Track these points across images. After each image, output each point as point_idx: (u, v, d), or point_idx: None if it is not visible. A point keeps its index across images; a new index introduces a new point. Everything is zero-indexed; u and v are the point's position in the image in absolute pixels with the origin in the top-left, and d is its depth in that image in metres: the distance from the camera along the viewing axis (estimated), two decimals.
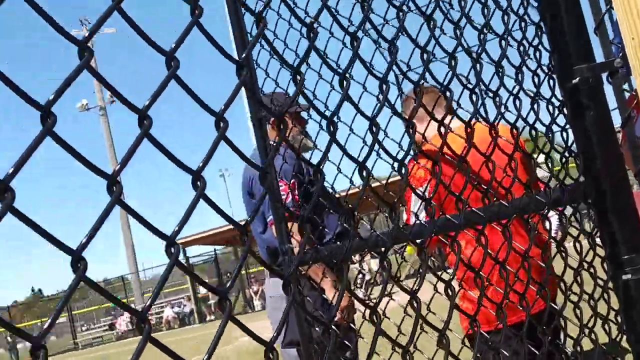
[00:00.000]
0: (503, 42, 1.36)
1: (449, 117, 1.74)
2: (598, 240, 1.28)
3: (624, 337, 1.30)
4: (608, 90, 1.25)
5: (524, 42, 1.45)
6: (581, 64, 1.19)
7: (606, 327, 1.46)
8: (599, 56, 1.29)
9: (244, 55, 0.97)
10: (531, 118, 1.43)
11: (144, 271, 34.51)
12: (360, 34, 1.00)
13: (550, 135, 1.46)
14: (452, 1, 1.42)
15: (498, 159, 1.33)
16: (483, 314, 1.41)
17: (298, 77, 0.94)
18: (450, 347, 1.05)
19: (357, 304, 2.80)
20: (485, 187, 1.25)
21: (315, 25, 0.93)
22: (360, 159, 0.96)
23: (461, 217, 1.17)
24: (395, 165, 1.07)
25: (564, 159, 1.46)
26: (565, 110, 1.41)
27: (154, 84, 0.78)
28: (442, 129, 1.18)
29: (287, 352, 2.97)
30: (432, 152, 1.53)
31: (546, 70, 1.48)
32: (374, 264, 18.05)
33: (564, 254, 1.39)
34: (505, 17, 1.38)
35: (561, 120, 1.50)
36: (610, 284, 1.29)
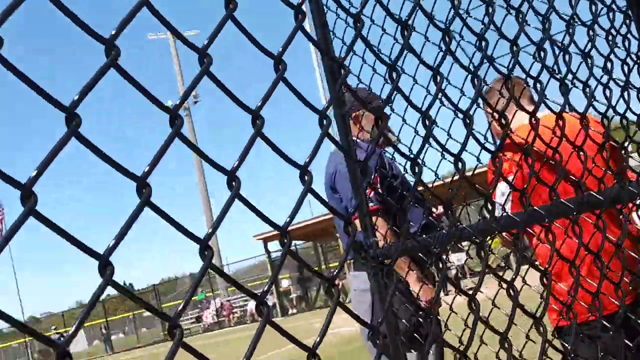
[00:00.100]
0: (591, 32, 1.34)
1: (532, 108, 1.73)
2: None
3: None
4: None
5: (612, 30, 1.42)
6: None
7: None
8: None
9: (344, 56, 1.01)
10: (621, 107, 1.40)
11: (227, 266, 35.35)
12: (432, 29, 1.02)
13: None
14: None
15: (586, 149, 1.32)
16: (573, 306, 1.40)
17: (394, 74, 0.97)
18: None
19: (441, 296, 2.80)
20: (574, 178, 1.24)
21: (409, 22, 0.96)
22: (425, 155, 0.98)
23: (551, 207, 1.17)
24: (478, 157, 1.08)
25: None
26: None
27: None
28: (528, 121, 1.18)
29: (372, 345, 3.00)
30: (518, 144, 1.53)
31: (635, 59, 1.45)
32: (454, 258, 17.77)
33: None
34: (593, 7, 1.36)
35: None
36: None
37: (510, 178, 2.22)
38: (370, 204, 2.52)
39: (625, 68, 1.42)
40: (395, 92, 1.02)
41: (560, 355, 1.36)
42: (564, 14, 1.32)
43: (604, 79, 1.36)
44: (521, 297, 1.76)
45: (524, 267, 1.53)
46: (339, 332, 10.82)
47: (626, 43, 1.45)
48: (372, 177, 2.80)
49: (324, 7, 1.60)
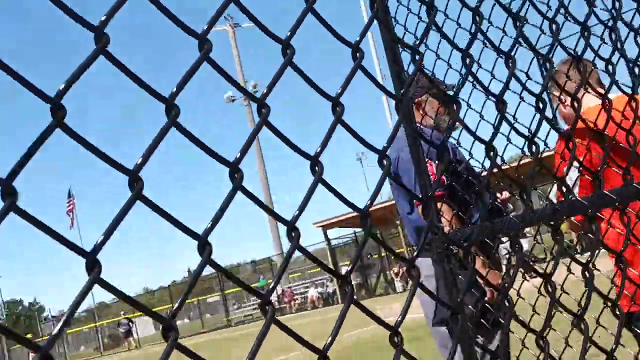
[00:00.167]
0: None
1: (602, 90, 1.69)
2: None
3: None
4: None
5: None
6: None
7: None
8: None
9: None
10: None
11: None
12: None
13: None
14: None
15: None
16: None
17: (467, 60, 0.98)
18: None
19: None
20: None
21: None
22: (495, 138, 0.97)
23: (622, 190, 1.16)
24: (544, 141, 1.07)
25: None
26: None
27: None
28: (594, 103, 1.17)
29: (437, 330, 3.01)
30: (588, 127, 1.50)
31: None
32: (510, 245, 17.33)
33: None
34: None
35: None
36: None
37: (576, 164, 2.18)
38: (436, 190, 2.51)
39: None
40: (463, 79, 1.03)
41: (632, 342, 1.34)
42: None
43: None
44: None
45: (588, 253, 1.51)
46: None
47: None
48: (436, 162, 2.80)
49: None
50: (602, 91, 1.22)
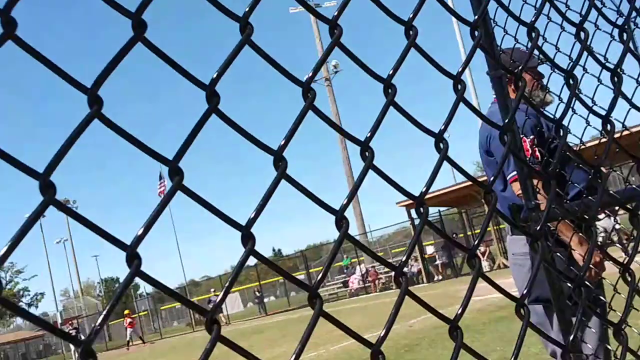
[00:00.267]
0: None
1: None
2: None
3: None
4: None
5: None
6: None
7: None
8: None
9: (477, 17, 0.99)
10: None
11: (370, 232, 35.88)
12: None
13: None
14: None
15: None
16: None
17: (533, 34, 0.94)
18: None
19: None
20: None
21: None
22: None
23: None
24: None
25: None
26: None
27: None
28: None
29: (533, 308, 2.95)
30: None
31: None
32: (606, 222, 16.60)
33: None
34: None
35: None
36: None
37: None
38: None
39: None
40: (535, 54, 0.99)
41: None
42: None
43: None
44: None
45: None
46: (487, 299, 10.64)
47: None
48: (531, 138, 2.72)
49: None
50: None
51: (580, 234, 2.52)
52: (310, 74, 0.82)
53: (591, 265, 2.61)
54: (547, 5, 1.09)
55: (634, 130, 1.59)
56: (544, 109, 2.95)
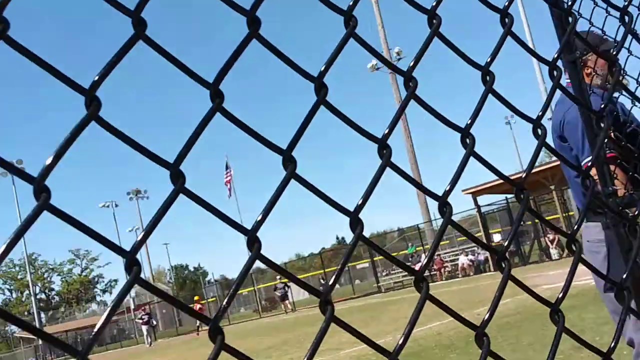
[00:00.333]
0: None
1: None
2: None
3: None
4: None
5: None
6: None
7: None
8: None
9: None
10: None
11: (435, 221, 35.47)
12: None
13: None
14: None
15: None
16: None
17: (626, 17, 0.92)
18: None
19: None
20: None
21: None
22: None
23: None
24: None
25: None
26: None
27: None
28: None
29: (609, 296, 2.88)
30: None
31: None
32: None
33: None
34: None
35: None
36: None
37: None
38: (607, 152, 2.38)
39: None
40: (628, 37, 0.96)
41: None
42: None
43: None
44: None
45: None
46: (558, 287, 10.38)
47: None
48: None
49: None
50: None
51: None
52: (412, 64, 0.83)
53: None
54: None
55: None
56: (621, 92, 2.85)
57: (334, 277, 0.85)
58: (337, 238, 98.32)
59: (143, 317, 36.34)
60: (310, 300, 41.79)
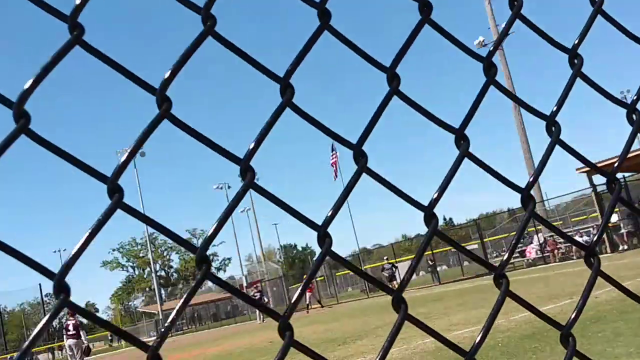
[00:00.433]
0: None
1: None
2: None
3: None
4: None
5: None
6: None
7: None
8: None
9: None
10: None
11: (547, 201, 34.12)
12: None
13: None
14: None
15: None
16: None
17: None
18: None
19: None
20: None
21: None
22: None
23: None
24: None
25: None
26: None
27: None
28: None
29: None
30: None
31: None
32: None
33: None
34: None
35: None
36: None
37: None
38: None
39: None
40: None
41: None
42: None
43: None
44: None
45: None
46: None
47: None
48: None
49: None
50: None
51: None
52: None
53: None
54: None
55: None
56: None
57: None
58: (445, 219, 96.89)
59: (255, 294, 37.64)
60: (418, 281, 41.56)
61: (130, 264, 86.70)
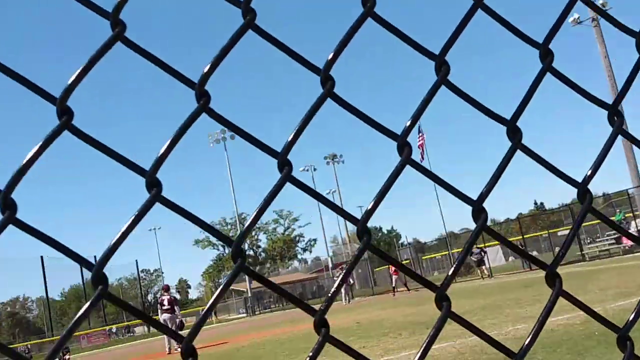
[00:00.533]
0: None
1: None
2: None
3: None
4: None
5: None
6: None
7: None
8: None
9: None
10: None
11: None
12: None
13: None
14: None
15: None
16: None
17: None
18: None
19: None
20: None
21: None
22: None
23: None
24: None
25: None
26: None
27: None
28: None
29: None
30: None
31: None
32: None
33: None
34: None
35: None
36: None
37: None
38: None
39: None
40: None
41: None
42: None
43: None
44: None
45: None
46: None
47: None
48: None
49: None
50: None
51: None
52: None
53: None
54: None
55: None
56: None
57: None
58: (536, 203, 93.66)
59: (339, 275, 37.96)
60: (507, 267, 40.79)
61: (221, 242, 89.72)
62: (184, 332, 0.80)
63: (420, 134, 51.23)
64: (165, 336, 18.51)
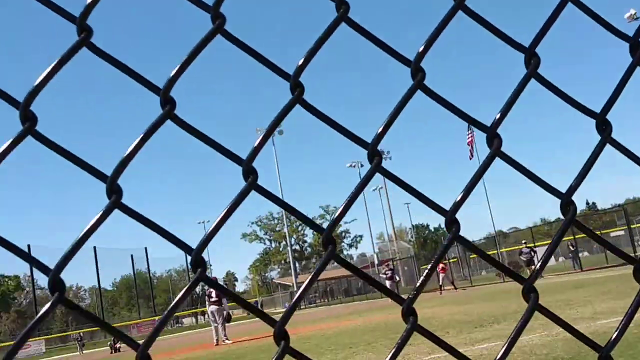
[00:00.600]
0: None
1: None
2: None
3: None
4: None
5: None
6: None
7: None
8: None
9: None
10: None
11: None
12: None
13: None
14: None
15: None
16: None
17: None
18: None
19: None
20: None
21: None
22: None
23: None
24: None
25: None
26: None
27: None
28: None
29: None
30: None
31: None
32: None
33: None
34: None
35: None
36: None
37: None
38: None
39: None
40: None
41: None
42: None
43: None
44: None
45: None
46: None
47: None
48: None
49: None
50: None
51: None
52: None
53: None
54: None
55: None
56: None
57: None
58: (587, 203, 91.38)
59: (387, 272, 37.78)
60: (557, 267, 39.91)
61: (267, 237, 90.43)
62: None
63: (470, 132, 50.63)
64: (213, 328, 18.88)
